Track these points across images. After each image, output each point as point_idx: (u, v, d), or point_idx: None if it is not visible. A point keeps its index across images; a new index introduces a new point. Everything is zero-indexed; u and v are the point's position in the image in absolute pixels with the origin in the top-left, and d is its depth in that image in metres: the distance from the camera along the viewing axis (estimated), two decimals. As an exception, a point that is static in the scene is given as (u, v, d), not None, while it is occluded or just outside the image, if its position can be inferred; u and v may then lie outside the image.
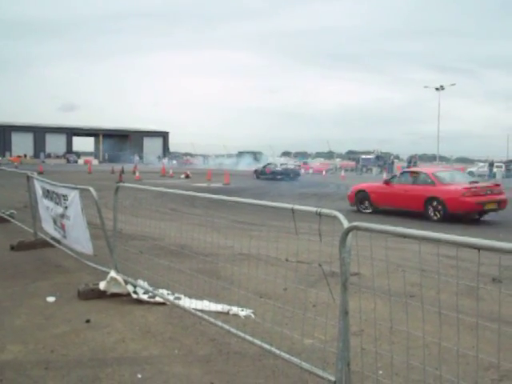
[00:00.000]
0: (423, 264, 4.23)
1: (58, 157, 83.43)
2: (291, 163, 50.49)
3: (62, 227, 7.26)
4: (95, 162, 79.68)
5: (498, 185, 16.70)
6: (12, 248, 8.46)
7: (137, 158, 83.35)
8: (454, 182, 15.98)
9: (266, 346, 3.99)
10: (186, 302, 5.33)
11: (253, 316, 5.25)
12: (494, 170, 54.25)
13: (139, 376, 3.92)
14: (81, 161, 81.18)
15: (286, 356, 3.82)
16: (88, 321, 5.12)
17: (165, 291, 5.78)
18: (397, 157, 72.65)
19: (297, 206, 3.78)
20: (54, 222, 7.69)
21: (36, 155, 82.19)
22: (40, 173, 27.64)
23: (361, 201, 17.59)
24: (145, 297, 5.76)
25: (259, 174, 42.24)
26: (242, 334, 4.28)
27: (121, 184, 6.63)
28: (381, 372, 3.83)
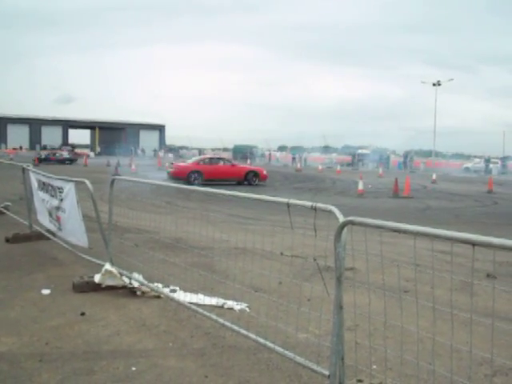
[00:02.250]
0: (418, 259, 4.24)
1: (53, 149, 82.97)
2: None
3: (58, 220, 7.25)
4: (91, 154, 79.32)
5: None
6: (7, 240, 8.44)
7: (139, 151, 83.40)
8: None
9: (261, 340, 4.00)
10: (181, 296, 5.33)
11: (247, 310, 5.26)
12: (491, 165, 54.43)
13: (133, 369, 3.93)
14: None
15: (281, 350, 3.83)
16: (83, 313, 5.12)
17: (160, 284, 5.78)
18: (393, 152, 72.66)
19: (292, 201, 3.78)
20: (50, 214, 7.67)
21: (32, 147, 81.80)
22: (36, 165, 27.56)
23: None
24: (140, 289, 5.75)
25: (43, 159, 46.57)
26: (236, 328, 4.29)
27: (116, 177, 6.62)
28: (375, 366, 3.84)
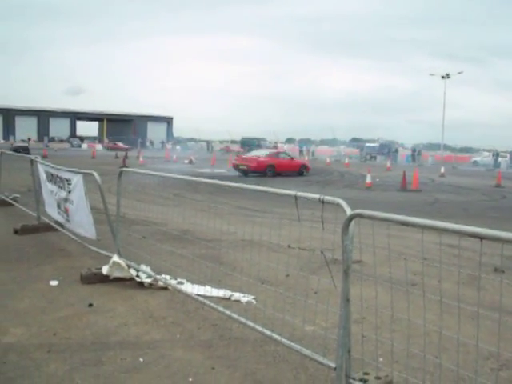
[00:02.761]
0: (425, 253, 4.22)
1: (61, 141, 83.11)
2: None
3: (66, 211, 7.28)
4: (99, 146, 79.38)
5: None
6: (15, 232, 8.49)
7: (148, 142, 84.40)
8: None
9: (268, 332, 4.00)
10: (189, 288, 5.35)
11: (254, 302, 5.27)
12: (499, 159, 54.04)
13: (141, 360, 3.95)
14: (84, 145, 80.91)
15: (287, 342, 3.83)
16: (91, 305, 5.14)
17: (167, 276, 5.80)
18: (401, 145, 72.36)
19: (300, 193, 3.78)
20: (58, 206, 7.71)
21: (40, 139, 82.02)
22: (44, 157, 27.65)
23: None
24: (147, 281, 5.78)
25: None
26: (243, 320, 4.30)
27: (124, 169, 6.63)
28: (381, 359, 3.85)
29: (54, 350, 4.07)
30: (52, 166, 7.99)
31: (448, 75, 61.18)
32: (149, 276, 5.82)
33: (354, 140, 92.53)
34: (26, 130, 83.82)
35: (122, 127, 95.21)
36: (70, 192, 6.92)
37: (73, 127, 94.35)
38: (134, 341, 4.33)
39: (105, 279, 5.87)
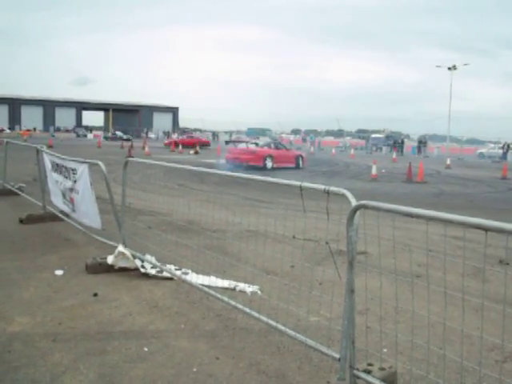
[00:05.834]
0: (430, 244, 4.21)
1: (67, 131, 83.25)
2: None
3: (71, 201, 7.30)
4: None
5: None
6: (21, 221, 8.52)
7: (160, 133, 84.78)
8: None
9: (272, 323, 4.01)
10: (193, 278, 5.36)
11: (259, 292, 5.28)
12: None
13: (146, 349, 3.97)
14: (90, 135, 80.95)
15: (292, 333, 3.84)
16: (95, 294, 5.16)
17: (172, 266, 5.81)
18: (407, 136, 72.13)
19: (305, 184, 3.77)
20: (63, 195, 7.72)
21: (45, 129, 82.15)
22: (49, 146, 27.68)
23: None
24: (152, 271, 5.79)
25: None
26: (248, 310, 4.31)
27: (130, 159, 6.64)
28: (385, 350, 3.85)
29: (59, 340, 4.09)
30: (58, 155, 8.00)
31: (454, 67, 60.75)
32: (154, 266, 5.84)
33: (360, 131, 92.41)
34: (31, 119, 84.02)
35: (127, 117, 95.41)
36: (75, 182, 6.93)
37: (78, 117, 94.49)
38: (138, 330, 4.35)
39: (110, 269, 5.89)
